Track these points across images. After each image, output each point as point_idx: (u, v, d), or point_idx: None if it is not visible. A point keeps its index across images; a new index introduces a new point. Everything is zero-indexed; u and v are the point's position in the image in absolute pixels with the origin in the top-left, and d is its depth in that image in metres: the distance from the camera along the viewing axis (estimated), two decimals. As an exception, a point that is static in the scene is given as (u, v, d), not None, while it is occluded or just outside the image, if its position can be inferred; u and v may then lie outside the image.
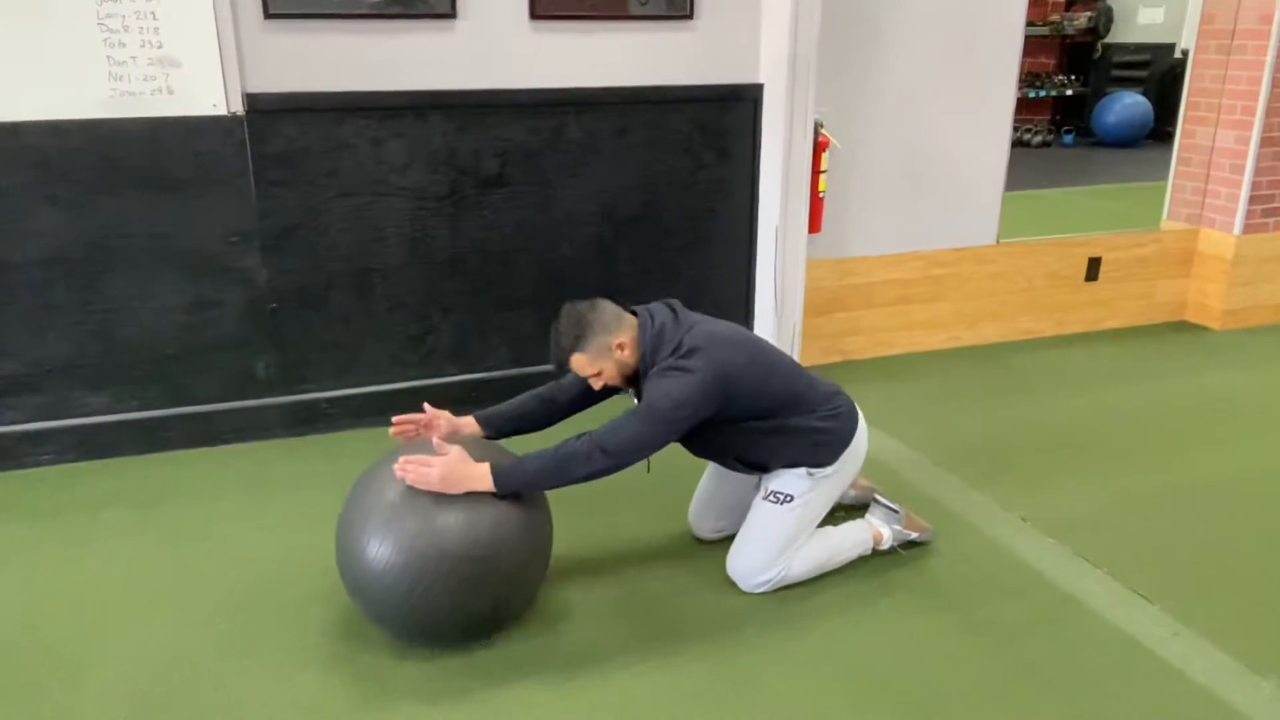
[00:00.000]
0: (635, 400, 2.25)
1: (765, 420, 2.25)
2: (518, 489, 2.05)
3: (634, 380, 2.23)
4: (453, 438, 2.20)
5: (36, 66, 2.74)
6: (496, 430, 2.35)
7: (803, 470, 2.32)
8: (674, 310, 2.25)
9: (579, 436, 2.09)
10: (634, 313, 2.24)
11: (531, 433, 2.34)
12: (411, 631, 2.11)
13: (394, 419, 2.29)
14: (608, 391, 2.32)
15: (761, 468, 2.36)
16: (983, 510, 2.80)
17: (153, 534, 2.65)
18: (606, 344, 2.16)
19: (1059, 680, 2.07)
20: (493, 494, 2.02)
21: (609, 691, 2.03)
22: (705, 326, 2.21)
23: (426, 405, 2.32)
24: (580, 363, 2.18)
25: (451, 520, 1.98)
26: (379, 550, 1.97)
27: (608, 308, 2.20)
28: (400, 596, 1.98)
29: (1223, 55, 4.23)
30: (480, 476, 2.01)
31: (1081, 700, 2.01)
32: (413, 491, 2.00)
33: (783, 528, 2.33)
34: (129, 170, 2.90)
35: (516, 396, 2.40)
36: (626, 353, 2.18)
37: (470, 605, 2.04)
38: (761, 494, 2.37)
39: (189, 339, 3.10)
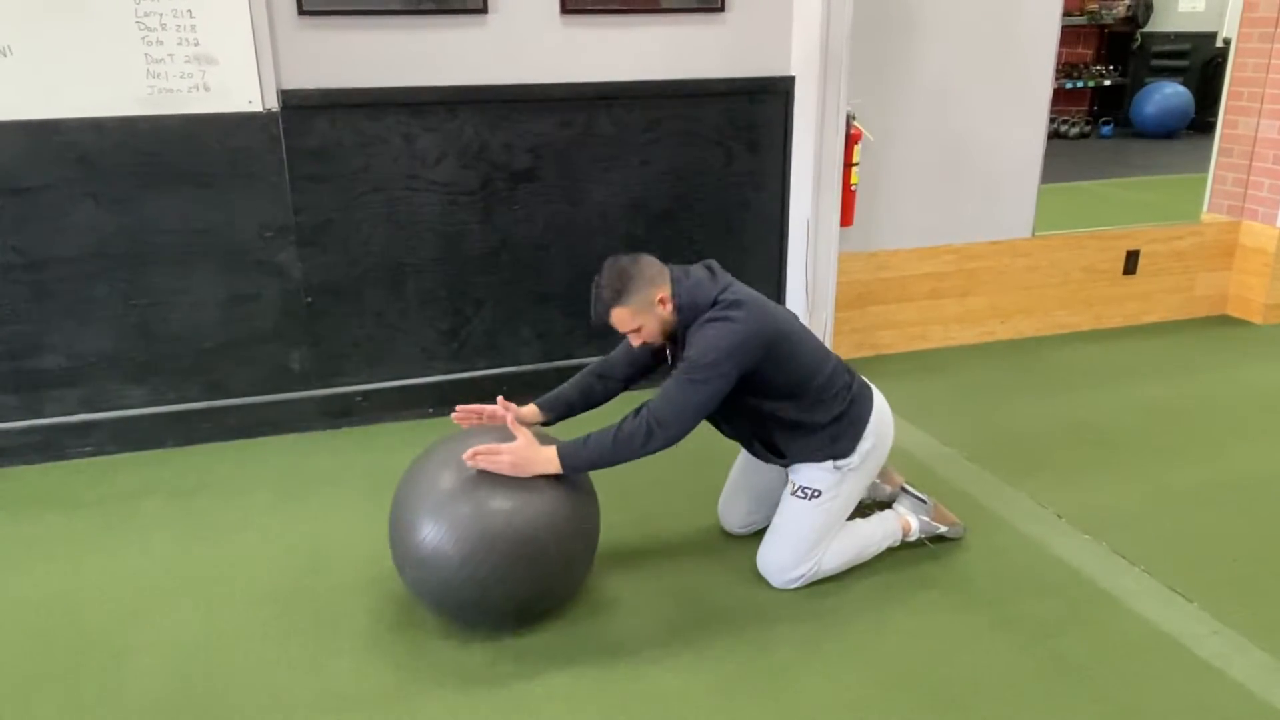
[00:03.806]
0: (671, 361, 2.25)
1: (788, 400, 2.24)
2: (584, 469, 2.10)
3: (674, 338, 2.22)
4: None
5: (76, 64, 2.79)
6: (558, 414, 2.36)
7: (828, 464, 2.32)
8: (711, 270, 2.23)
9: (636, 412, 2.09)
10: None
11: (591, 410, 2.35)
12: (457, 611, 2.14)
13: (458, 407, 2.32)
14: (659, 359, 2.33)
15: (783, 454, 2.35)
16: (1017, 506, 2.77)
17: (191, 524, 2.70)
18: (649, 298, 2.14)
19: (1094, 677, 2.05)
20: (554, 477, 2.07)
21: (639, 684, 2.04)
22: (743, 288, 2.20)
23: (500, 399, 2.31)
24: (621, 316, 2.15)
25: (503, 505, 2.03)
26: (431, 532, 2.01)
27: (651, 262, 2.17)
28: (450, 576, 2.02)
29: (1266, 44, 4.15)
30: (548, 460, 2.05)
31: (1117, 698, 1.99)
32: (466, 477, 2.04)
33: (812, 523, 2.33)
34: (167, 166, 2.95)
35: (573, 378, 2.40)
36: (668, 308, 2.15)
37: (517, 590, 2.07)
38: (789, 490, 2.37)
39: (226, 333, 3.15)
